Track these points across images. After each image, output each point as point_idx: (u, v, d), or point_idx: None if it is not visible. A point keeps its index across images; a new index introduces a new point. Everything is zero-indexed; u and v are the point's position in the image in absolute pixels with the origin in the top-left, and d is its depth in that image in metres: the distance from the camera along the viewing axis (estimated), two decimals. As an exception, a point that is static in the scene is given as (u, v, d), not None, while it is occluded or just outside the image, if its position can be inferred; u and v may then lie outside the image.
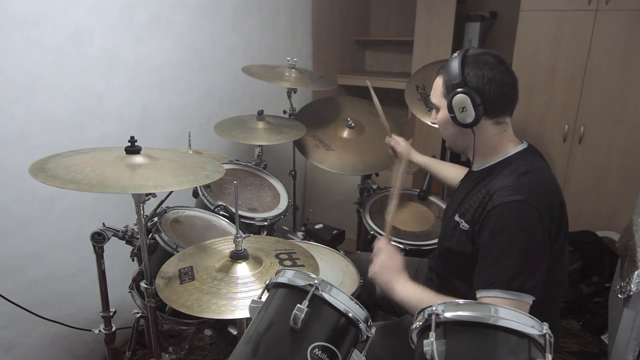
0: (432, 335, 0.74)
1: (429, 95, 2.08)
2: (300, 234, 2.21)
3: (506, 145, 1.20)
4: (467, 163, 1.52)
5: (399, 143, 1.84)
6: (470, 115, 1.13)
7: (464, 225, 1.18)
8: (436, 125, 1.30)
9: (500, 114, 1.18)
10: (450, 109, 1.16)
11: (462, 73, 1.13)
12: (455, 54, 1.17)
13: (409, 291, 1.17)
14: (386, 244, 1.31)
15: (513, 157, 1.19)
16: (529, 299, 1.04)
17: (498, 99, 1.15)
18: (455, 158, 2.35)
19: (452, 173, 1.67)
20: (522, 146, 1.21)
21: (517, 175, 1.12)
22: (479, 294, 1.08)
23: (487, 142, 1.20)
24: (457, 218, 1.21)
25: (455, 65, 1.15)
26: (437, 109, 1.25)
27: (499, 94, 1.14)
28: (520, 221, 1.05)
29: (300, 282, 0.87)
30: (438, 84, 1.23)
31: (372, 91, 1.93)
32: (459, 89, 1.13)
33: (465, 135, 1.20)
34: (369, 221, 1.94)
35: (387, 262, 1.25)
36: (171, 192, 1.50)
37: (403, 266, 1.25)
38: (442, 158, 2.69)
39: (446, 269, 1.30)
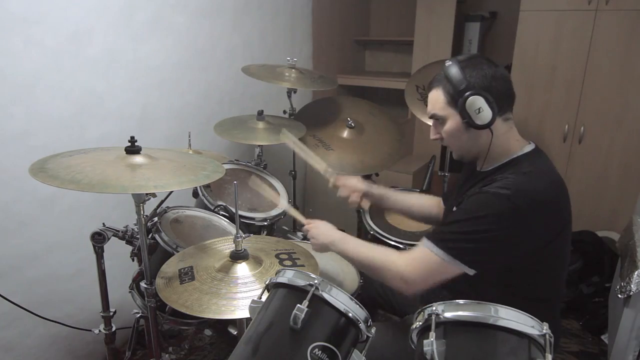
0: (432, 335, 0.74)
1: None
2: (300, 234, 2.21)
3: (514, 145, 1.20)
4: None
5: (349, 181, 1.62)
6: (487, 115, 1.12)
7: None
8: (437, 137, 1.26)
9: (507, 110, 1.19)
10: (464, 114, 1.14)
11: (465, 77, 1.13)
12: (448, 63, 1.16)
13: (341, 239, 1.30)
14: (310, 226, 1.38)
15: (520, 158, 1.18)
16: (458, 265, 1.08)
17: (505, 94, 1.16)
18: (458, 162, 2.35)
19: (416, 201, 1.61)
20: (530, 147, 1.21)
21: (517, 174, 1.12)
22: (421, 241, 1.16)
23: (499, 142, 1.19)
24: (454, 209, 1.22)
25: (454, 71, 1.14)
26: (442, 122, 1.22)
27: (504, 89, 1.16)
28: (492, 210, 1.07)
29: (300, 282, 0.87)
30: (437, 95, 1.20)
31: (293, 144, 1.65)
32: (469, 92, 1.12)
33: (479, 138, 1.19)
34: (369, 221, 1.94)
35: (312, 231, 1.35)
36: (171, 192, 1.50)
37: (326, 223, 1.37)
38: (443, 159, 2.68)
39: None
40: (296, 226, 2.50)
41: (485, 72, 1.14)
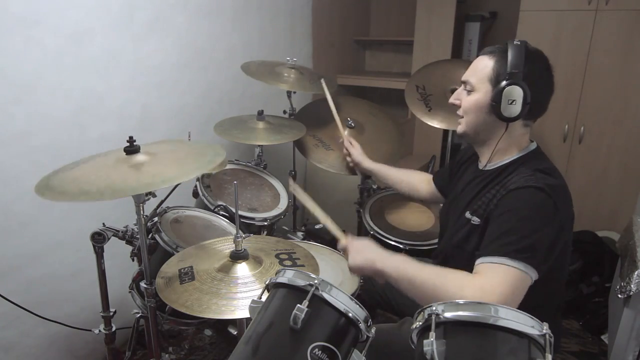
0: (432, 335, 0.74)
1: (429, 95, 2.09)
2: (300, 234, 2.21)
3: (520, 144, 1.20)
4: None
5: (355, 148, 1.88)
6: (515, 111, 1.08)
7: (475, 220, 1.17)
8: (456, 103, 1.23)
9: (532, 117, 1.18)
10: (497, 97, 1.09)
11: (525, 64, 1.08)
12: (517, 42, 1.10)
13: (385, 256, 1.12)
14: (347, 241, 1.22)
15: (527, 155, 1.18)
16: (533, 273, 1.00)
17: (542, 104, 1.15)
18: (456, 154, 2.34)
19: (402, 175, 1.74)
20: (533, 145, 1.21)
21: (534, 170, 1.11)
22: (479, 261, 1.03)
23: (509, 141, 1.18)
24: (467, 215, 1.20)
25: (518, 55, 1.08)
26: (469, 90, 1.18)
27: (544, 99, 1.15)
28: (535, 205, 1.03)
29: (300, 282, 0.87)
30: (484, 64, 1.15)
31: (326, 91, 1.93)
32: (516, 81, 1.07)
33: (493, 127, 1.17)
34: (369, 221, 1.94)
35: (352, 246, 1.18)
36: (172, 191, 1.50)
37: (369, 241, 1.19)
38: (442, 158, 2.69)
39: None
40: (296, 226, 2.50)
41: (543, 75, 1.13)
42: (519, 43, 1.10)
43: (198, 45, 2.17)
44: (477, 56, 1.21)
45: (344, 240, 1.25)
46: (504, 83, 1.09)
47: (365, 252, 1.16)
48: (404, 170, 1.75)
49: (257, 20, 2.50)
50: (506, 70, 1.09)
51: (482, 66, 1.16)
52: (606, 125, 2.54)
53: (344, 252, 1.23)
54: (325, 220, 1.31)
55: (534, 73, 1.10)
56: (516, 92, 1.08)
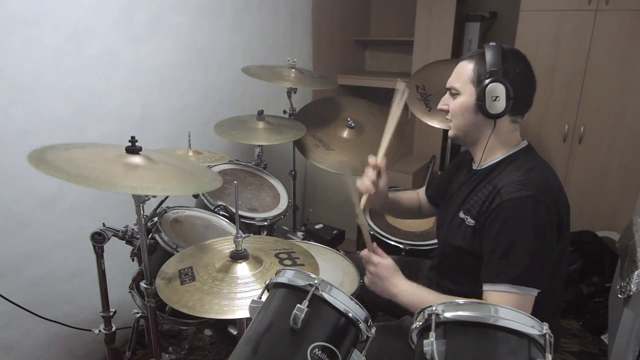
0: (432, 335, 0.74)
1: (429, 95, 2.09)
2: (300, 234, 2.21)
3: (511, 142, 1.22)
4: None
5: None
6: (500, 107, 1.13)
7: (470, 221, 1.18)
8: (444, 109, 1.26)
9: (519, 113, 1.20)
10: (481, 96, 1.14)
11: (502, 63, 1.13)
12: (492, 44, 1.15)
13: (408, 293, 1.17)
14: (370, 254, 1.25)
15: (517, 153, 1.20)
16: (535, 292, 1.06)
17: (525, 99, 1.18)
18: (456, 154, 2.34)
19: (403, 195, 1.63)
20: (524, 143, 1.23)
21: (524, 170, 1.13)
22: (485, 287, 1.09)
23: (498, 138, 1.20)
24: (461, 215, 1.21)
25: (495, 54, 1.13)
26: (455, 94, 1.22)
27: (528, 94, 1.18)
28: (529, 216, 1.06)
29: (300, 282, 0.87)
30: (466, 68, 1.19)
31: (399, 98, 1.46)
32: (496, 78, 1.12)
33: (482, 126, 1.19)
34: (369, 221, 1.95)
35: (378, 270, 1.22)
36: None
37: (395, 267, 1.22)
38: (442, 158, 2.69)
39: (453, 267, 1.29)
40: (296, 226, 2.50)
41: (522, 70, 1.15)
42: (494, 44, 1.15)
43: (198, 46, 2.17)
44: (458, 62, 1.24)
45: (369, 249, 1.25)
46: (485, 82, 1.13)
47: (387, 282, 1.19)
48: (405, 192, 1.65)
49: (257, 20, 2.50)
50: (486, 69, 1.14)
51: (464, 70, 1.20)
52: (606, 125, 2.54)
53: (364, 261, 1.25)
54: (364, 224, 1.30)
55: (512, 69, 1.14)
56: (498, 89, 1.12)
